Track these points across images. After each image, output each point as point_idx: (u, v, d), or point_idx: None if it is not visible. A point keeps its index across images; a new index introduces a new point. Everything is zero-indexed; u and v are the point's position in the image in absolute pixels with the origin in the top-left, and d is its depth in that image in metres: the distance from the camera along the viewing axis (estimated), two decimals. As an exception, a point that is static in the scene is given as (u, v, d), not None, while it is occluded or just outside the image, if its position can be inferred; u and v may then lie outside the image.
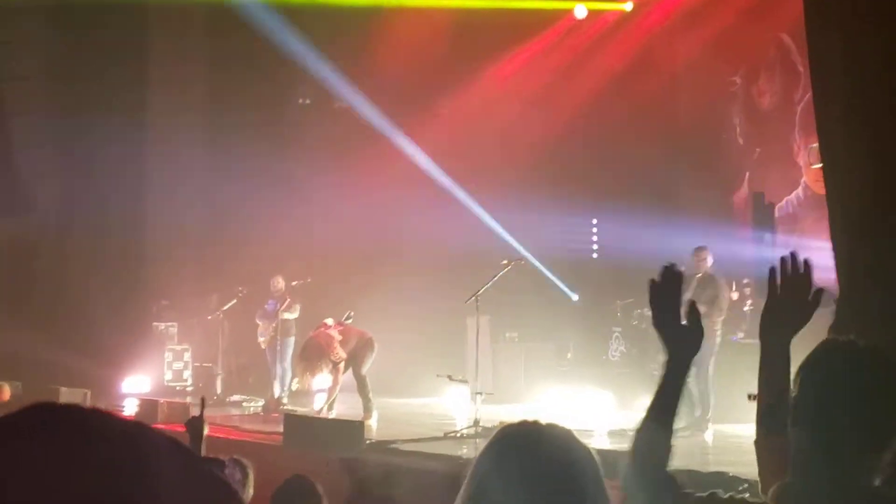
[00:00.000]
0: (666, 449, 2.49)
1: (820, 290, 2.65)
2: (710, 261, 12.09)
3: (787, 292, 2.66)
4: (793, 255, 2.68)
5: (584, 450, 2.14)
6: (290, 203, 16.87)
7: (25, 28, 17.49)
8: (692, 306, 2.53)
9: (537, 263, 15.15)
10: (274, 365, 14.83)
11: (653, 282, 2.53)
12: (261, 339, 14.93)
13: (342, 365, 12.90)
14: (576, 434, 2.20)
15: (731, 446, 10.17)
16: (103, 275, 16.38)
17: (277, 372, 14.74)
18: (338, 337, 12.93)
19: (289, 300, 14.78)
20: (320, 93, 17.46)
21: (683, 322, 2.51)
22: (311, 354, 12.88)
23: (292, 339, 14.69)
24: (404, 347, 14.81)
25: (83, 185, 17.37)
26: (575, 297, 16.05)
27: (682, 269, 2.56)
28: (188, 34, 17.80)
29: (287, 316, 14.76)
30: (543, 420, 2.20)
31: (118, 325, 16.22)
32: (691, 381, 11.49)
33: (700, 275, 11.89)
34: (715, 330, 11.39)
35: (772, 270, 2.68)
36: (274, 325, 14.75)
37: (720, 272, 12.23)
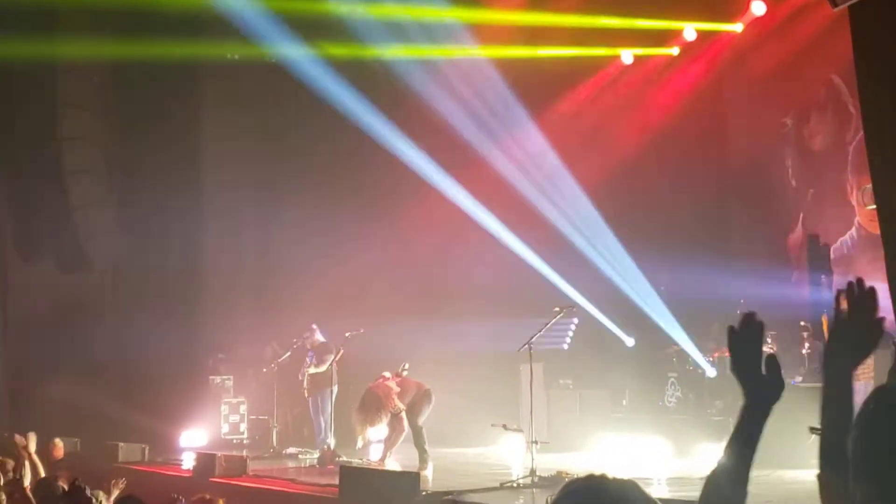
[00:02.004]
0: (742, 497, 2.45)
1: (883, 318, 2.62)
2: None
3: (853, 316, 2.62)
4: (859, 281, 2.65)
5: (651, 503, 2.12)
6: (342, 254, 16.99)
7: (85, 89, 17.91)
8: (771, 356, 2.51)
9: (593, 309, 15.06)
10: (315, 416, 14.95)
11: (732, 329, 2.53)
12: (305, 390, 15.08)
13: (404, 415, 12.90)
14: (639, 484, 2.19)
15: (792, 492, 10.00)
16: (161, 330, 16.56)
17: (321, 424, 14.81)
18: (396, 388, 12.95)
19: (332, 350, 14.77)
20: (370, 143, 17.60)
21: (763, 371, 2.49)
22: (370, 406, 12.89)
23: (328, 391, 14.71)
24: (458, 396, 14.77)
25: (140, 241, 17.67)
26: (630, 343, 15.93)
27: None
28: (241, 90, 18.09)
29: (312, 371, 14.77)
30: (608, 474, 2.19)
31: (175, 378, 16.39)
32: None
33: None
34: None
35: (838, 294, 2.64)
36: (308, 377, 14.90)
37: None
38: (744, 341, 2.50)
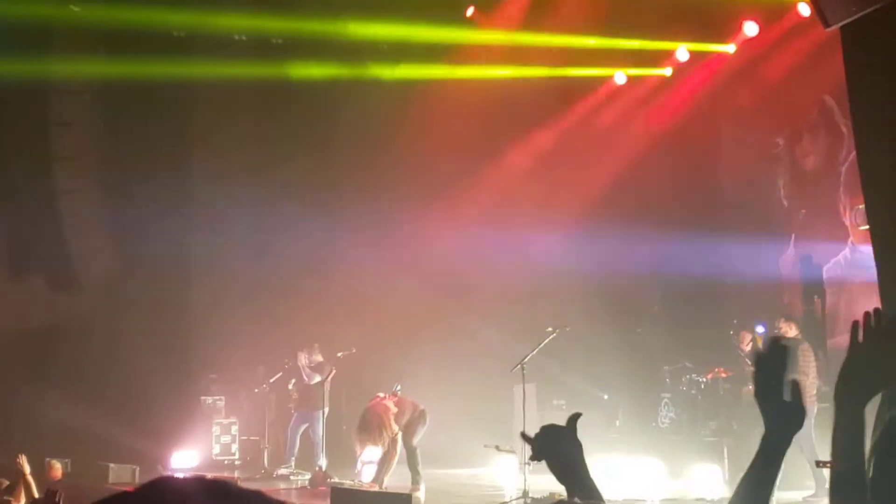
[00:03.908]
0: None
1: None
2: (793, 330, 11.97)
3: (869, 347, 2.58)
4: (876, 311, 2.60)
5: None
6: (335, 275, 16.95)
7: (77, 108, 17.89)
8: (795, 383, 2.46)
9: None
10: (295, 433, 14.90)
11: (758, 353, 2.48)
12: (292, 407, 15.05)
13: (399, 437, 12.83)
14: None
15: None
16: (152, 349, 16.48)
17: (295, 441, 14.77)
18: (393, 409, 12.86)
19: (329, 368, 14.77)
20: (364, 163, 17.61)
21: (786, 398, 2.44)
22: (372, 425, 12.77)
23: (319, 412, 14.70)
24: (451, 417, 14.71)
25: (131, 260, 17.61)
26: (605, 396, 15.91)
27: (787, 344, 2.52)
28: (233, 114, 18.05)
29: (314, 381, 14.78)
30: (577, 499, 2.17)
31: (167, 399, 16.29)
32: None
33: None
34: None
35: (854, 324, 2.58)
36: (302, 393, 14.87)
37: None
38: (768, 367, 2.45)
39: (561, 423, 2.72)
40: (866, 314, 2.59)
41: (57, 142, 17.91)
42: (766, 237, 15.98)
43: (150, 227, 17.35)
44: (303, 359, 14.78)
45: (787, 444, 2.42)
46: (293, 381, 15.27)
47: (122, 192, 17.69)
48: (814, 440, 11.10)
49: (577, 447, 2.64)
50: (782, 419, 2.42)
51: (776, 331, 12.18)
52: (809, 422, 11.16)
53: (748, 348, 12.48)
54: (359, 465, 13.17)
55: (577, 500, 2.62)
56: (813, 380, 11.65)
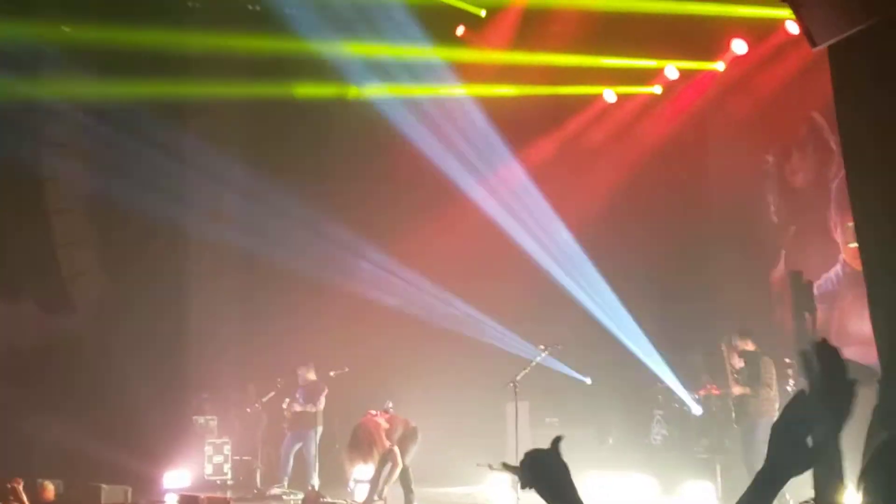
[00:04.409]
0: None
1: (855, 381, 2.53)
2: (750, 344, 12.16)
3: (826, 381, 2.55)
4: (824, 341, 2.53)
5: None
6: (324, 295, 16.95)
7: (68, 129, 17.90)
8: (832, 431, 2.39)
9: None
10: (288, 452, 14.89)
11: (800, 391, 2.43)
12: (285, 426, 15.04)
13: (396, 449, 12.76)
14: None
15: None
16: (144, 370, 16.44)
17: (289, 461, 14.86)
18: (385, 425, 12.85)
19: (322, 389, 14.83)
20: (353, 182, 17.65)
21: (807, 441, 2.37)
22: (363, 442, 12.74)
23: (312, 431, 14.75)
24: (443, 435, 14.71)
25: (123, 281, 17.59)
26: (588, 381, 15.80)
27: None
28: (225, 135, 18.07)
29: (314, 409, 14.78)
30: None
31: (159, 419, 16.26)
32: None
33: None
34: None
35: (803, 358, 2.51)
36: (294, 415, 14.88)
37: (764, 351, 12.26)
38: (806, 408, 2.38)
39: (546, 447, 2.72)
40: (815, 345, 2.51)
41: (48, 162, 17.91)
42: (756, 253, 16.04)
43: (142, 247, 17.36)
44: (296, 397, 14.89)
45: (784, 482, 2.39)
46: (287, 400, 15.26)
47: (113, 212, 17.68)
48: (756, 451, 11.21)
49: (564, 469, 2.64)
50: (789, 460, 2.37)
51: (734, 345, 12.30)
52: (759, 433, 11.30)
53: (736, 363, 12.54)
54: (351, 483, 13.14)
55: None
56: (775, 393, 11.86)
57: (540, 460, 2.63)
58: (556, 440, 2.67)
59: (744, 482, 2.48)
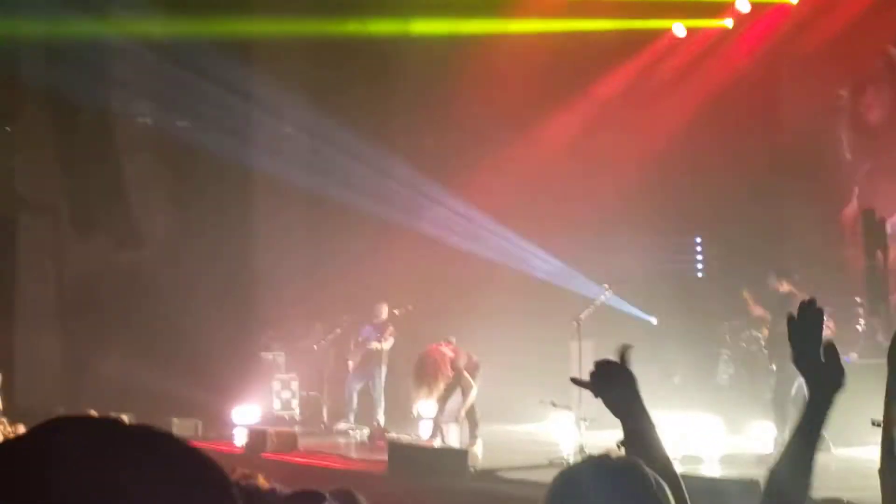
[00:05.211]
0: (806, 489, 2.40)
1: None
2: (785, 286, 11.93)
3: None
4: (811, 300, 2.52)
5: (653, 485, 2.07)
6: (389, 232, 16.99)
7: (137, 68, 18.07)
8: (829, 344, 2.45)
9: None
10: (352, 390, 15.03)
11: (791, 318, 2.48)
12: (352, 359, 15.16)
13: (466, 374, 12.78)
14: (666, 465, 2.15)
15: (850, 471, 9.88)
16: (212, 306, 16.70)
17: (353, 397, 15.06)
18: (449, 354, 12.86)
19: (391, 328, 14.92)
20: (417, 119, 17.59)
21: (823, 360, 2.44)
22: (429, 369, 12.77)
23: (378, 369, 14.86)
24: (507, 373, 14.73)
25: (193, 218, 17.84)
26: (654, 321, 15.65)
27: (824, 308, 2.51)
28: (291, 72, 18.08)
29: (385, 346, 14.88)
30: (609, 454, 2.16)
31: (227, 355, 16.51)
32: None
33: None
34: None
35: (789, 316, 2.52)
36: (364, 352, 14.98)
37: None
38: (803, 331, 2.46)
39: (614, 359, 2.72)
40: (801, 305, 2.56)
41: (116, 101, 18.12)
42: (828, 190, 15.73)
43: (211, 184, 17.56)
44: (365, 333, 15.01)
45: (830, 404, 2.42)
46: (361, 338, 15.30)
47: (182, 150, 17.88)
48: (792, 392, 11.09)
49: (631, 379, 2.65)
50: (823, 381, 2.41)
51: (770, 286, 12.12)
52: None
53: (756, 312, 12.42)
54: (415, 411, 13.22)
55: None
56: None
57: (608, 370, 2.64)
58: (625, 349, 2.69)
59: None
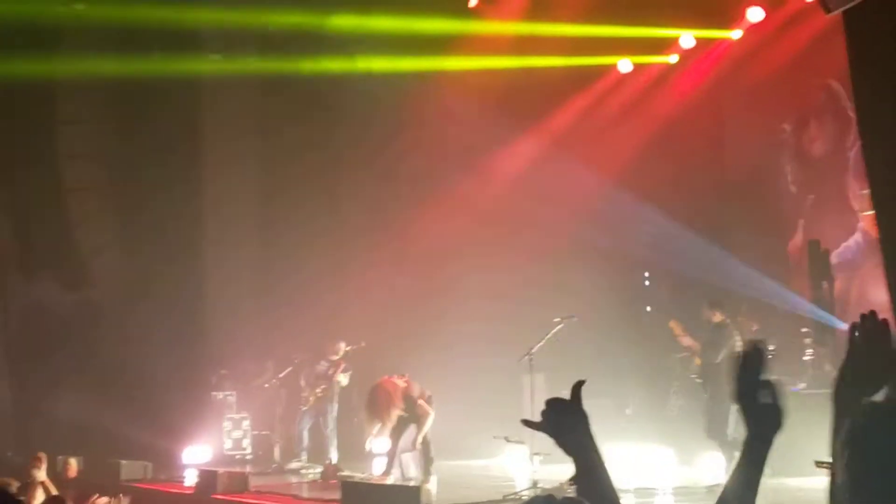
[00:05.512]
0: None
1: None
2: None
3: (867, 348, 2.56)
4: (872, 313, 2.60)
5: None
6: (341, 270, 16.97)
7: (85, 106, 17.95)
8: (773, 384, 2.46)
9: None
10: (303, 428, 14.95)
11: (738, 356, 2.49)
12: (309, 396, 15.05)
13: (421, 402, 12.72)
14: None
15: (796, 500, 9.96)
16: (163, 346, 16.55)
17: (303, 436, 14.95)
18: (401, 385, 12.79)
19: (342, 366, 14.86)
20: (368, 156, 17.65)
21: (765, 400, 2.43)
22: (382, 401, 12.64)
23: (329, 406, 14.81)
24: (461, 409, 14.70)
25: (142, 257, 17.67)
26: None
27: (770, 348, 2.54)
28: (239, 102, 18.09)
29: (342, 380, 14.83)
30: (550, 497, 2.17)
31: (178, 395, 16.37)
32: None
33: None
34: None
35: (852, 326, 2.60)
36: (323, 387, 14.87)
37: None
38: (747, 368, 2.45)
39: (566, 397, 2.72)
40: (863, 316, 2.60)
41: (64, 140, 17.97)
42: (773, 223, 15.93)
43: (160, 223, 17.43)
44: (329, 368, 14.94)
45: (769, 445, 2.43)
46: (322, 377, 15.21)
47: (131, 188, 17.76)
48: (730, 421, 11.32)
49: (583, 417, 2.65)
50: (762, 422, 2.42)
51: (703, 316, 12.34)
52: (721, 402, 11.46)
53: (684, 342, 12.68)
54: (368, 445, 13.13)
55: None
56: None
57: (560, 409, 2.64)
58: (577, 386, 2.68)
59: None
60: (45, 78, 16.59)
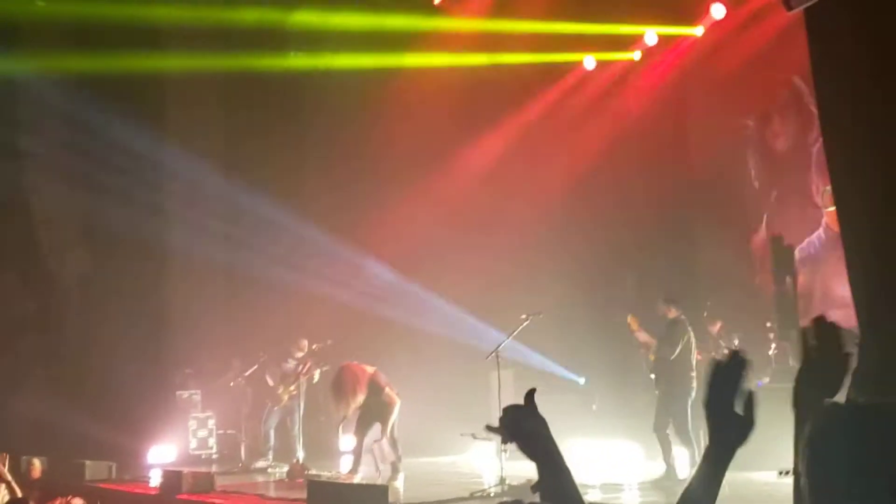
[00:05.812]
0: None
1: (850, 354, 2.55)
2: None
3: (821, 353, 2.55)
4: (820, 317, 2.58)
5: None
6: (309, 267, 16.89)
7: (46, 103, 17.75)
8: (750, 394, 2.42)
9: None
10: (269, 426, 14.90)
11: (717, 362, 2.45)
12: (282, 394, 14.97)
13: (388, 390, 12.70)
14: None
15: (761, 494, 10.03)
16: (126, 345, 16.40)
17: (270, 434, 14.87)
18: (370, 370, 12.78)
19: (310, 363, 14.80)
20: (334, 156, 17.59)
21: (737, 410, 2.36)
22: (347, 382, 12.61)
23: (296, 405, 14.78)
24: (428, 406, 14.71)
25: (104, 255, 17.51)
26: (581, 381, 15.94)
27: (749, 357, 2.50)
28: (204, 107, 17.97)
29: (316, 376, 14.79)
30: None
31: (143, 394, 16.23)
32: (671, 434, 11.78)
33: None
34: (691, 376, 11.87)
35: (803, 331, 2.59)
36: (294, 386, 14.81)
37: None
38: (724, 377, 2.39)
39: (542, 410, 2.70)
40: (814, 321, 2.59)
41: (26, 137, 17.77)
42: (737, 218, 16.04)
43: (123, 221, 17.26)
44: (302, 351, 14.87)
45: (731, 456, 2.38)
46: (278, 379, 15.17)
47: (94, 186, 17.58)
48: (689, 416, 11.62)
49: (541, 422, 2.64)
50: (729, 432, 2.38)
51: (659, 311, 12.44)
52: (689, 399, 11.74)
53: (640, 338, 12.79)
54: (339, 431, 13.09)
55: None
56: (692, 359, 12.11)
57: (518, 415, 2.63)
58: (529, 394, 2.68)
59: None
60: (5, 76, 16.41)
